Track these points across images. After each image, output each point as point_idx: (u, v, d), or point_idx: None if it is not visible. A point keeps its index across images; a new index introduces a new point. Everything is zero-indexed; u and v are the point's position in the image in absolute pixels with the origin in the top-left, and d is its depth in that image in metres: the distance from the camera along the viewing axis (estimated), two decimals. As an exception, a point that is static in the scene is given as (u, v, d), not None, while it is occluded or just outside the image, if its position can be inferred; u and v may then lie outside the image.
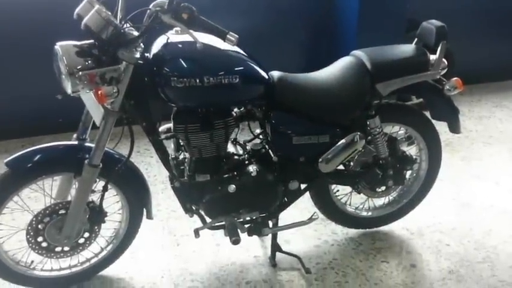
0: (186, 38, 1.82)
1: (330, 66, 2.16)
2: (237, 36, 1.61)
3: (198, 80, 1.78)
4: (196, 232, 2.10)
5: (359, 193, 2.31)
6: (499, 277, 2.27)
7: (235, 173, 2.05)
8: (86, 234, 2.06)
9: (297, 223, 2.23)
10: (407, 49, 2.15)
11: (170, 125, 2.02)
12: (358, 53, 2.15)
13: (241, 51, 1.93)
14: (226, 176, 2.05)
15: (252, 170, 2.03)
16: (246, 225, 2.15)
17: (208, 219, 2.14)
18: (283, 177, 2.11)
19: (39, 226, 1.95)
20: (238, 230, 2.09)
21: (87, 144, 1.99)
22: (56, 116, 3.58)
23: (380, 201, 2.52)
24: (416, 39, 2.22)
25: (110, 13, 1.70)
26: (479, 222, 2.65)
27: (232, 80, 1.82)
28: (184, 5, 1.59)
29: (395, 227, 2.58)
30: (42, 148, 1.92)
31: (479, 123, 3.80)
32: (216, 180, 2.03)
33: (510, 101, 4.18)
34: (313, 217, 2.22)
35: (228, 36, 1.60)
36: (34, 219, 1.94)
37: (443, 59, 2.11)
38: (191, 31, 1.64)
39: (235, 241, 2.02)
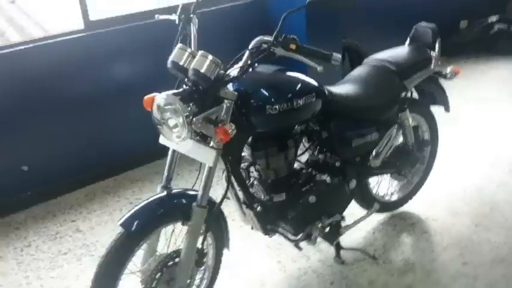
0: (260, 68, 1.99)
1: (354, 75, 2.45)
2: (340, 56, 1.80)
3: (289, 104, 1.93)
4: (298, 247, 2.22)
5: (405, 177, 2.65)
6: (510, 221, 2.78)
7: (311, 184, 2.22)
8: (188, 281, 2.05)
9: (362, 217, 2.48)
10: (413, 49, 2.55)
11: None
12: (373, 60, 2.49)
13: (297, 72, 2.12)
14: (304, 189, 2.21)
15: (325, 178, 2.22)
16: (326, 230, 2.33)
17: (290, 235, 2.26)
18: (345, 179, 2.34)
19: (154, 284, 1.90)
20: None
21: (176, 191, 2.00)
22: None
23: (398, 186, 2.89)
24: (408, 40, 2.64)
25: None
26: (470, 181, 3.18)
27: (312, 98, 2.01)
28: (289, 36, 1.75)
29: (411, 205, 2.96)
30: (147, 204, 1.88)
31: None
32: (295, 196, 2.18)
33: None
34: (375, 207, 2.48)
35: (332, 58, 1.79)
36: (149, 277, 1.88)
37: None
38: (304, 58, 1.78)
39: (338, 243, 2.19)
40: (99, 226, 3.02)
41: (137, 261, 1.94)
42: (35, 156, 3.31)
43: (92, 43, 3.33)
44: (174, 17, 2.05)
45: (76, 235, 2.95)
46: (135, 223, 1.82)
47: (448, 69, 2.56)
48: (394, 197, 2.87)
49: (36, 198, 3.38)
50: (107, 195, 3.40)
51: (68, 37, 3.26)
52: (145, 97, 1.86)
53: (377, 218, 2.86)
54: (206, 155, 1.85)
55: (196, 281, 2.18)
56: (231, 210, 2.21)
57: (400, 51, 2.56)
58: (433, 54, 2.53)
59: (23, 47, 3.08)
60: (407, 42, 2.64)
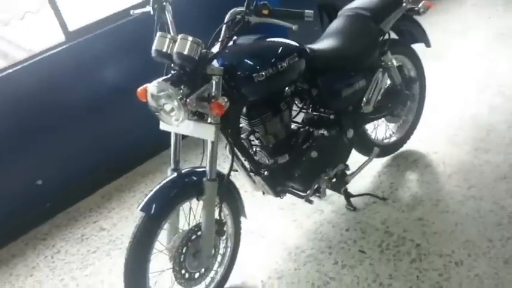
0: (241, 39, 2.08)
1: (331, 28, 2.53)
2: (311, 11, 1.88)
3: (274, 68, 2.02)
4: (309, 201, 2.34)
5: (399, 117, 2.75)
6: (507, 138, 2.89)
7: (310, 141, 2.32)
8: (213, 250, 2.18)
9: (365, 162, 2.60)
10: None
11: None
12: (346, 10, 2.57)
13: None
14: (305, 146, 2.32)
15: (323, 133, 2.32)
16: (333, 181, 2.45)
17: (300, 192, 2.38)
18: (342, 129, 2.44)
19: (181, 258, 2.03)
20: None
21: (185, 170, 2.11)
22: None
23: (395, 127, 2.99)
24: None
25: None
26: (463, 110, 3.28)
27: (294, 58, 2.10)
28: (260, 3, 1.83)
29: (411, 143, 3.06)
30: (161, 187, 2.00)
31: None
32: (297, 154, 2.29)
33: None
34: (375, 151, 2.60)
35: (305, 15, 1.87)
36: (176, 253, 2.01)
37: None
38: (279, 21, 1.87)
39: (345, 190, 2.31)
40: (121, 222, 3.15)
41: (163, 241, 2.07)
42: (46, 169, 3.42)
43: (75, 52, 3.41)
44: (148, 8, 2.12)
45: (101, 233, 3.08)
46: (153, 206, 1.94)
47: (420, 5, 2.62)
48: (393, 139, 2.97)
49: (56, 208, 3.51)
50: (122, 192, 3.53)
51: (51, 51, 3.33)
52: (138, 89, 1.96)
53: (380, 162, 2.98)
54: (206, 131, 1.95)
55: (221, 250, 2.32)
56: (241, 183, 2.32)
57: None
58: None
59: (11, 70, 3.16)
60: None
